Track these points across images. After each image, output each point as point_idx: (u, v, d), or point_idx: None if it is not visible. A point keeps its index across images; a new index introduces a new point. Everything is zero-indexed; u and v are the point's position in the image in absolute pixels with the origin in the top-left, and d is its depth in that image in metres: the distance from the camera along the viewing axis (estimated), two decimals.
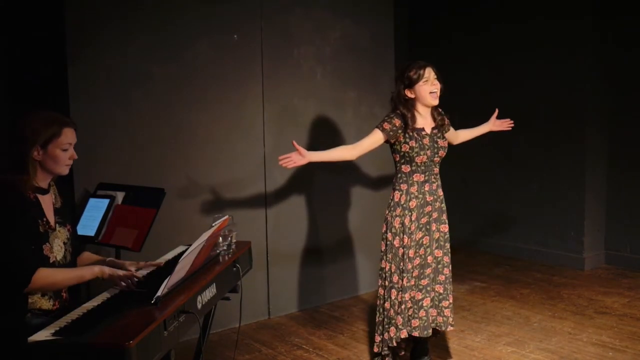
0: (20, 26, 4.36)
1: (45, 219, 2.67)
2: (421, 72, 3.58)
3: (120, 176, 4.01)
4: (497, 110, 4.17)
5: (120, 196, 3.77)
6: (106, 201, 3.74)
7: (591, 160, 5.97)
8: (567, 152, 6.04)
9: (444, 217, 3.76)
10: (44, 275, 2.54)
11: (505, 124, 4.19)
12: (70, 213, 2.88)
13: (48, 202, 2.73)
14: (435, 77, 3.62)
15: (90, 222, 3.70)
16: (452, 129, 3.91)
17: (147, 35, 4.24)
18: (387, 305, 3.69)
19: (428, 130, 3.66)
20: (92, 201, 3.79)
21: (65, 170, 2.71)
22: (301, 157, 3.55)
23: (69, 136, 2.69)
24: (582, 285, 5.53)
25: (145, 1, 4.24)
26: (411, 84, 3.60)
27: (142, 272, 2.86)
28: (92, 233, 3.65)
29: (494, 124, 4.17)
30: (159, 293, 2.40)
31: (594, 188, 6.02)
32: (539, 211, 6.29)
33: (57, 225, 2.74)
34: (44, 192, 2.71)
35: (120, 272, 2.65)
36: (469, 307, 5.03)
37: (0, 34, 4.34)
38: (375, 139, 3.65)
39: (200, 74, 4.48)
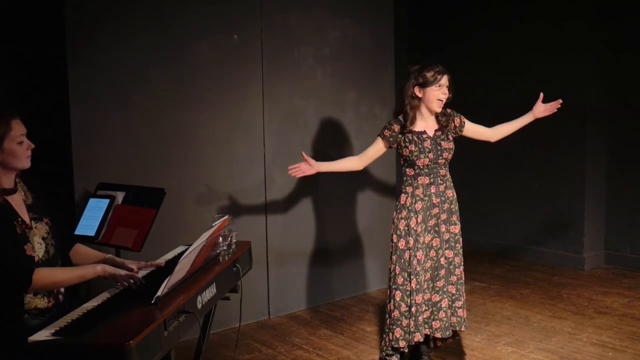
0: (20, 26, 4.36)
1: (20, 219, 2.64)
2: (438, 76, 3.58)
3: (120, 176, 4.01)
4: (542, 95, 3.84)
5: (120, 196, 3.77)
6: (106, 201, 3.74)
7: (591, 160, 5.97)
8: (567, 152, 6.04)
9: (454, 218, 3.76)
10: (44, 275, 2.54)
11: (554, 106, 3.81)
12: (45, 206, 2.83)
13: (19, 201, 2.70)
14: (448, 85, 3.63)
15: (90, 222, 3.70)
16: (481, 127, 3.83)
17: (147, 35, 4.23)
18: (390, 306, 3.71)
19: (430, 133, 3.66)
20: (92, 201, 3.79)
21: (27, 163, 2.67)
22: (310, 167, 3.68)
23: (18, 128, 2.64)
24: (582, 285, 5.53)
25: (145, 1, 4.24)
26: (424, 84, 3.60)
27: (143, 272, 2.86)
28: (92, 233, 3.65)
29: (539, 110, 3.84)
30: (159, 293, 2.40)
31: (594, 188, 6.02)
32: (539, 212, 6.29)
33: (32, 222, 2.71)
34: (12, 192, 2.68)
35: (122, 272, 2.64)
36: (469, 307, 5.02)
37: None
38: (378, 147, 3.73)
39: (200, 74, 4.48)
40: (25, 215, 2.69)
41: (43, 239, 2.73)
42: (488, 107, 6.60)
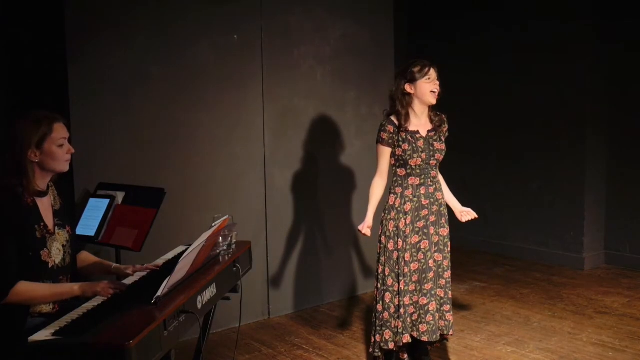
0: (20, 26, 4.36)
1: (42, 224, 2.64)
2: (426, 69, 3.59)
3: (120, 176, 4.01)
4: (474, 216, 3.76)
5: (120, 196, 3.77)
6: (106, 201, 3.74)
7: (591, 160, 5.97)
8: (567, 152, 6.03)
9: (444, 220, 3.73)
10: (23, 291, 2.50)
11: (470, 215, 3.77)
12: (69, 213, 2.85)
13: (47, 205, 2.70)
14: (436, 78, 3.64)
15: (90, 222, 3.70)
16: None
17: (147, 35, 4.24)
18: (379, 307, 3.69)
19: (423, 133, 3.65)
20: (92, 201, 3.79)
21: (65, 167, 2.68)
22: (368, 227, 3.63)
23: (60, 131, 2.66)
24: (582, 285, 5.53)
25: (145, 1, 4.24)
26: (413, 79, 3.59)
27: (139, 274, 2.86)
28: (92, 233, 3.65)
29: (462, 212, 3.77)
30: (159, 293, 2.40)
31: (594, 188, 6.02)
32: (539, 211, 6.28)
33: (56, 228, 2.71)
34: (43, 194, 2.68)
35: (99, 287, 2.58)
36: (469, 307, 5.03)
37: (0, 34, 4.34)
38: (385, 154, 3.69)
39: (200, 74, 4.48)
40: (49, 220, 2.69)
41: (63, 246, 2.72)
42: (488, 107, 6.61)
